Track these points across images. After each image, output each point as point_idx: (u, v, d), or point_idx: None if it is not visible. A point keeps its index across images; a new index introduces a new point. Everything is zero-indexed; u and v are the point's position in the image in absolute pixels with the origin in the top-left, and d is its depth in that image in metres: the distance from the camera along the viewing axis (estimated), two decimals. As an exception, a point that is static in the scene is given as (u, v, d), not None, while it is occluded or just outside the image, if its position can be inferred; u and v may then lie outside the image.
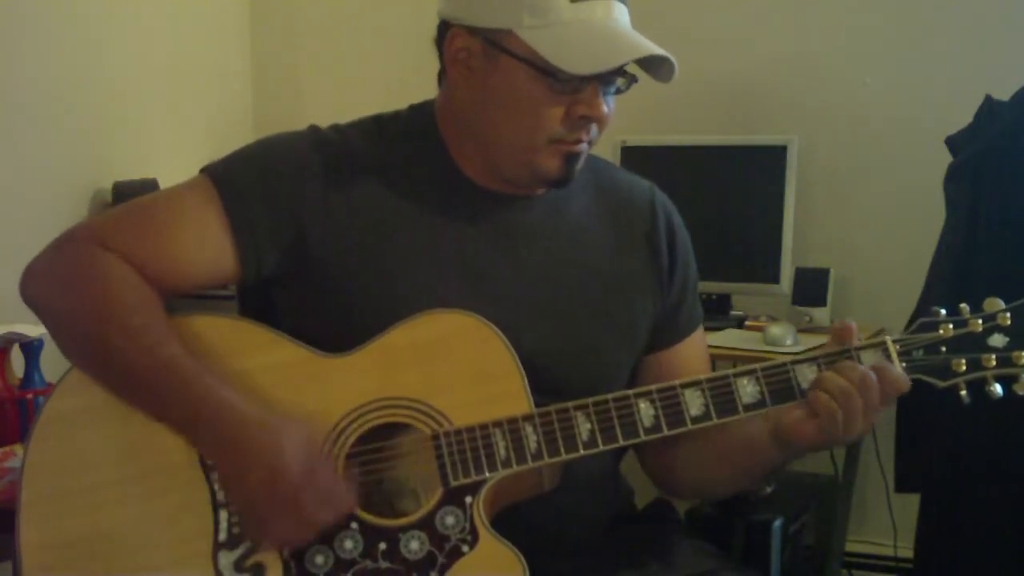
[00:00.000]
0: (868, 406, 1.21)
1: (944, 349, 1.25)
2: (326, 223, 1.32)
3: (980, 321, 1.24)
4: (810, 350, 1.29)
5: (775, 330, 2.45)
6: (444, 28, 1.34)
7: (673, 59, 1.29)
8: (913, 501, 2.33)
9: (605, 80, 1.30)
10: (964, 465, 2.15)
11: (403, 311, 1.28)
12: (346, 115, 1.45)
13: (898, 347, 1.25)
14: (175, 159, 3.00)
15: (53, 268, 1.30)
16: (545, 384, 1.28)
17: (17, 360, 1.96)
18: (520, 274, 1.37)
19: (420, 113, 1.42)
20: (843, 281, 2.76)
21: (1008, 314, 1.24)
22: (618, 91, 1.33)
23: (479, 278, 1.35)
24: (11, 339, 1.93)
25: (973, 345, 1.24)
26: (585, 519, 1.39)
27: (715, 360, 2.66)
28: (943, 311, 1.26)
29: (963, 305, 1.26)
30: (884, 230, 2.83)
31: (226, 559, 1.22)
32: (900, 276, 2.58)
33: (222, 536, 1.22)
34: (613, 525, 1.43)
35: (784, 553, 2.33)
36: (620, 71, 1.30)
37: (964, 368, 1.24)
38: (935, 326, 1.26)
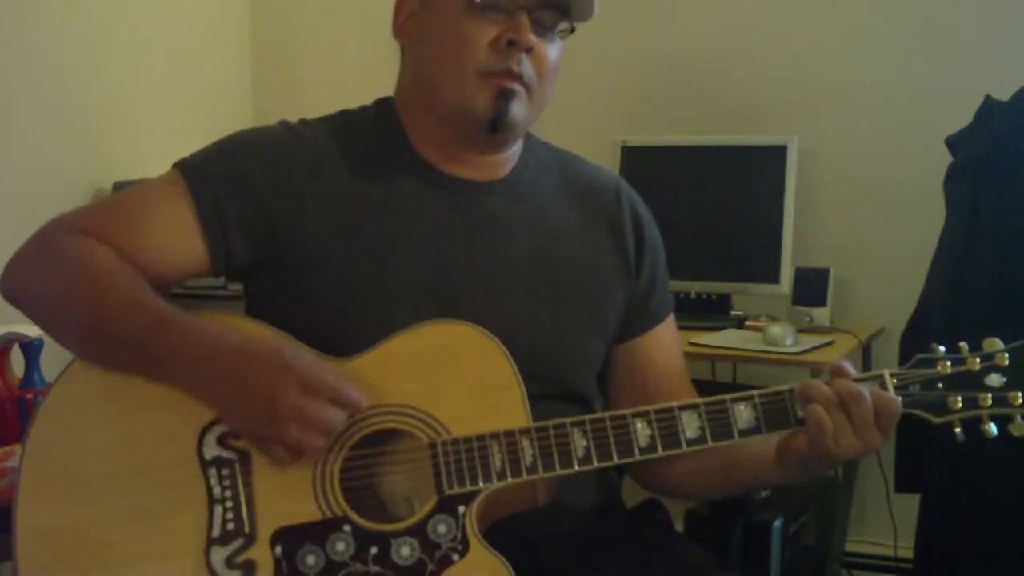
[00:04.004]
0: (857, 420, 1.22)
1: (941, 386, 1.25)
2: (294, 212, 1.35)
3: (978, 360, 1.25)
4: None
5: (775, 330, 2.45)
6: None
7: None
8: (913, 501, 2.33)
9: (540, 21, 1.34)
10: (964, 466, 2.15)
11: (367, 299, 1.31)
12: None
13: (895, 380, 1.26)
14: (175, 159, 3.00)
15: (32, 256, 1.33)
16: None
17: (17, 360, 1.97)
18: (485, 259, 1.39)
19: (383, 106, 1.47)
20: (843, 281, 2.76)
21: (1006, 354, 1.25)
22: (560, 37, 1.37)
23: (444, 264, 1.37)
24: (11, 339, 1.93)
25: (970, 383, 1.25)
26: (568, 508, 1.38)
27: (715, 360, 2.67)
28: (941, 348, 1.27)
29: (962, 344, 1.27)
30: (884, 230, 2.83)
31: (218, 555, 1.22)
32: (900, 276, 2.58)
33: (216, 532, 1.23)
34: (600, 517, 1.44)
35: (784, 553, 2.32)
36: (549, 4, 1.34)
37: (960, 406, 1.25)
38: (933, 363, 1.26)
